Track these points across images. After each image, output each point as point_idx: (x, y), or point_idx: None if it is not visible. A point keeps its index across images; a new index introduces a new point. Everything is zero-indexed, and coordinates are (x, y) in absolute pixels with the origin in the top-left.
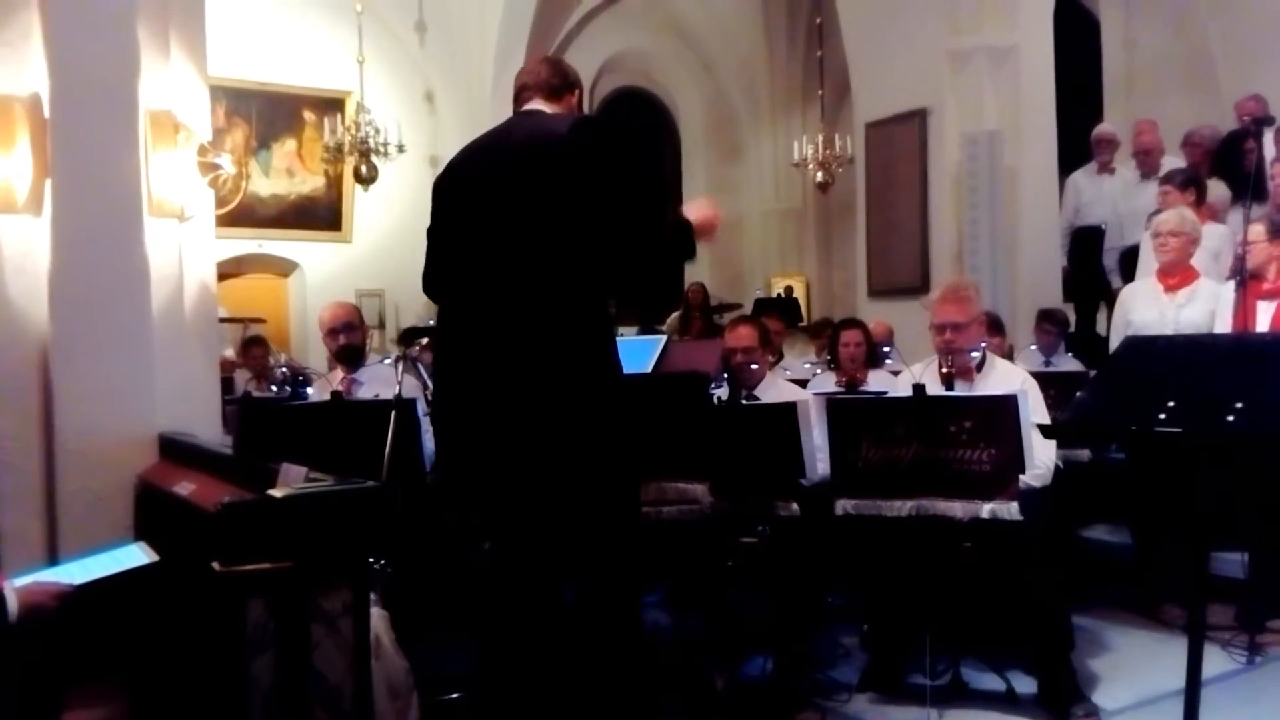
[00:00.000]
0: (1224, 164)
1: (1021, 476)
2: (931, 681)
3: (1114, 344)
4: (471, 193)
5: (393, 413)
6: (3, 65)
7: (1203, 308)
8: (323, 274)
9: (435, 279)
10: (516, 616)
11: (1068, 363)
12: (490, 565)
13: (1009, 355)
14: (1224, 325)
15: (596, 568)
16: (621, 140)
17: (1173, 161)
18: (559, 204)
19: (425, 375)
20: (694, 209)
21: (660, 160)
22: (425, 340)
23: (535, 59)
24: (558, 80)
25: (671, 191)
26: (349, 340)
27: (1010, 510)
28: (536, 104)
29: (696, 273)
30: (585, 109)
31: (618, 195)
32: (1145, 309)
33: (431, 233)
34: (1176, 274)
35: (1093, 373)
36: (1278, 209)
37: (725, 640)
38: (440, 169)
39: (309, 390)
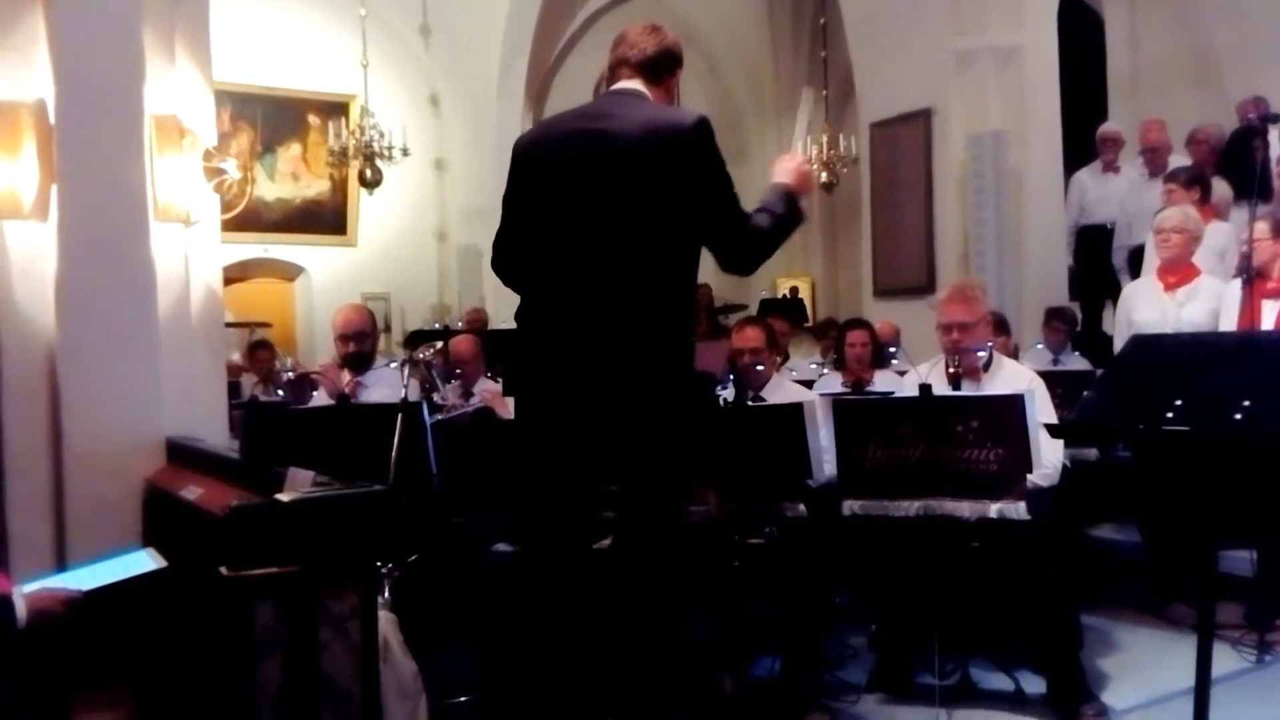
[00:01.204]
0: (1231, 162)
1: (1029, 476)
2: (940, 681)
3: (1119, 343)
4: (575, 173)
5: (399, 416)
6: (9, 71)
7: (1204, 306)
8: (328, 278)
9: (512, 255)
10: (544, 614)
11: (1075, 362)
12: (520, 563)
13: (1013, 354)
14: (1230, 324)
15: (642, 569)
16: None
17: (1181, 160)
18: (677, 203)
19: (435, 377)
20: (784, 169)
21: None
22: (439, 344)
23: (642, 27)
24: (663, 59)
25: None
26: (360, 348)
27: (1018, 510)
28: (636, 84)
29: (702, 274)
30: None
31: (731, 200)
32: (1146, 308)
33: (511, 204)
34: (1177, 272)
35: (1100, 372)
36: None
37: (733, 641)
38: (445, 172)
39: (314, 393)
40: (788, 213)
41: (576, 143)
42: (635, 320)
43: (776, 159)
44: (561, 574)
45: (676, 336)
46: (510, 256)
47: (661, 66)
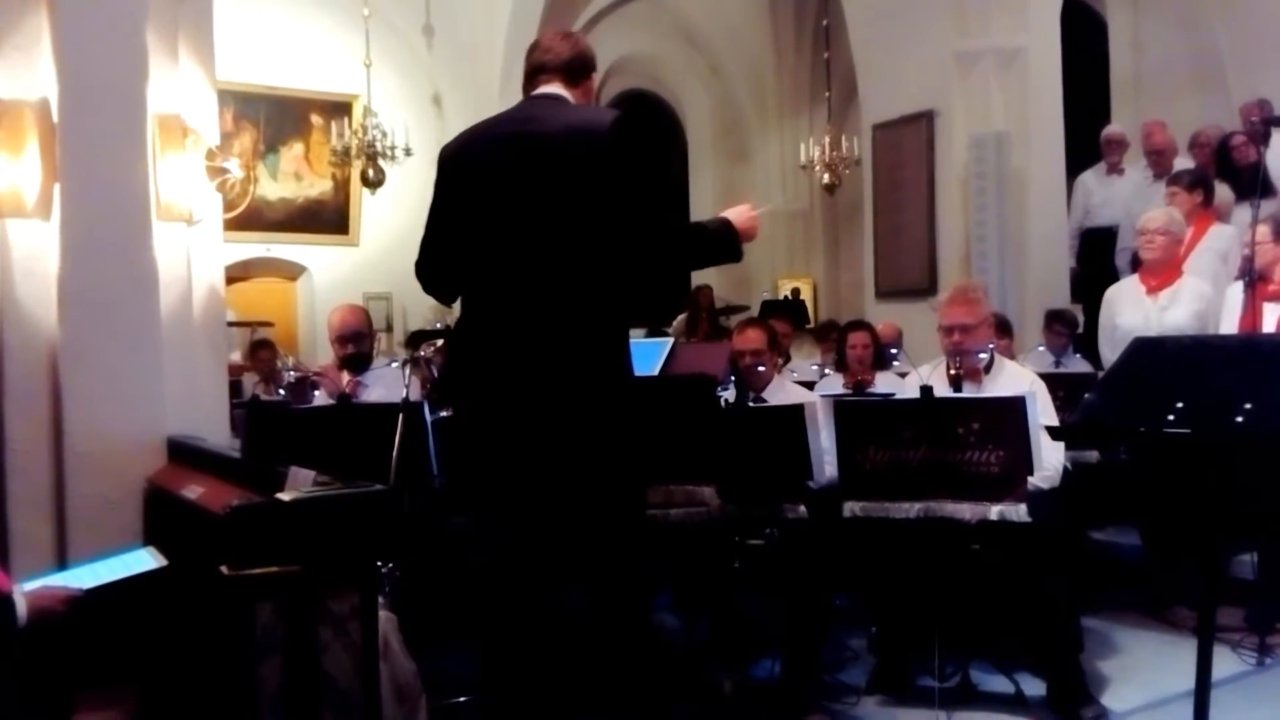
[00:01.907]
0: (1221, 165)
1: (1030, 478)
2: (940, 684)
3: (1102, 343)
4: (497, 178)
5: (400, 416)
6: (12, 70)
7: (1187, 309)
8: (330, 277)
9: (439, 265)
10: (519, 620)
11: (1077, 364)
12: (491, 569)
13: (1012, 357)
14: (1231, 326)
15: (604, 572)
16: (653, 146)
17: (1185, 162)
18: (598, 203)
19: (437, 374)
20: (735, 212)
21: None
22: (440, 342)
23: (553, 33)
24: (579, 62)
25: (680, 194)
26: (358, 349)
27: (1019, 512)
28: (556, 88)
29: (704, 275)
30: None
31: (651, 201)
32: (1131, 312)
33: (437, 213)
34: (1160, 274)
35: (1101, 374)
36: None
37: (733, 643)
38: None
39: (316, 393)
40: (718, 236)
41: (500, 146)
42: (563, 325)
43: (736, 207)
44: (525, 576)
45: (606, 341)
46: (436, 264)
47: (578, 69)
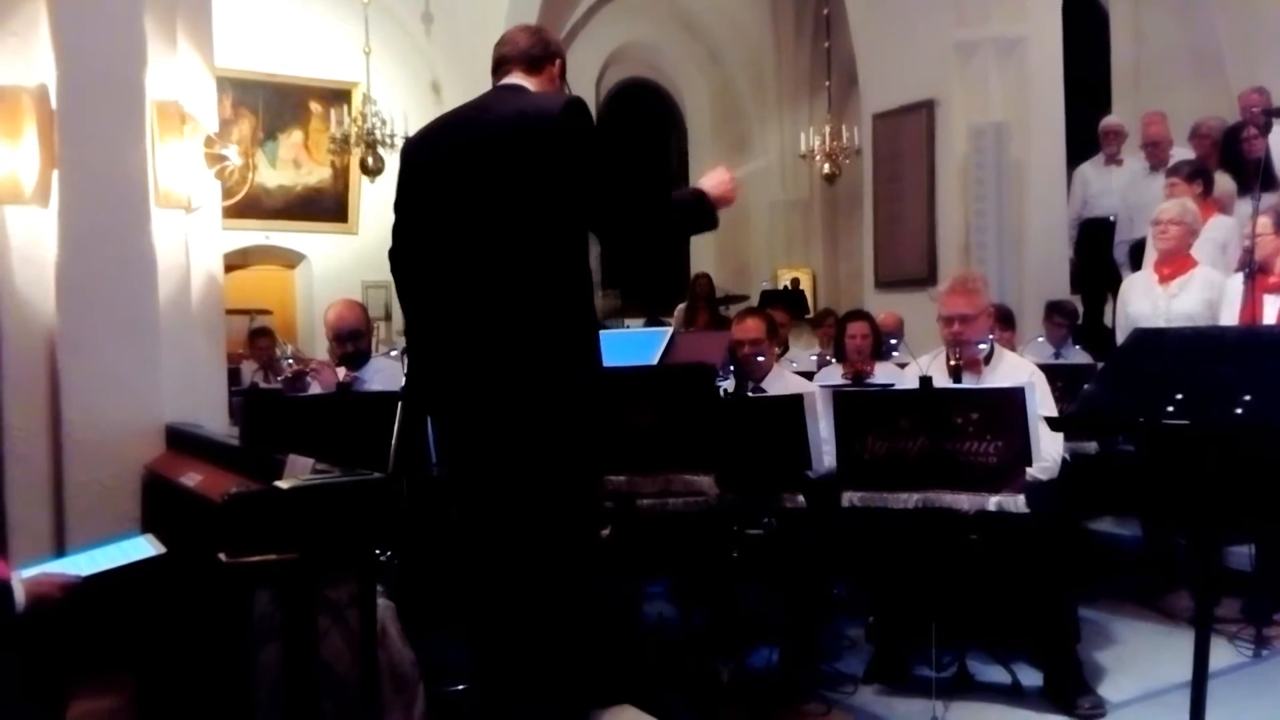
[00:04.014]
0: (1227, 156)
1: (1028, 469)
2: (937, 673)
3: (1120, 337)
4: (449, 167)
5: (399, 404)
6: (10, 56)
7: (1196, 297)
8: (329, 265)
9: (404, 255)
10: (484, 601)
11: (1076, 355)
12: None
13: (1014, 349)
14: (1231, 318)
15: (550, 560)
16: (606, 126)
17: (1182, 153)
18: (548, 185)
19: None
20: (710, 179)
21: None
22: None
23: (515, 27)
24: (538, 50)
25: (674, 178)
26: (355, 348)
27: (1017, 503)
28: (517, 77)
29: (703, 264)
30: (569, 87)
31: (610, 174)
32: (1140, 300)
33: (400, 206)
34: (1173, 264)
35: (1100, 365)
36: None
37: (731, 632)
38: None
39: (310, 380)
40: (692, 205)
41: (452, 137)
42: (512, 312)
43: (710, 173)
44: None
45: (559, 327)
46: (404, 258)
47: (537, 57)
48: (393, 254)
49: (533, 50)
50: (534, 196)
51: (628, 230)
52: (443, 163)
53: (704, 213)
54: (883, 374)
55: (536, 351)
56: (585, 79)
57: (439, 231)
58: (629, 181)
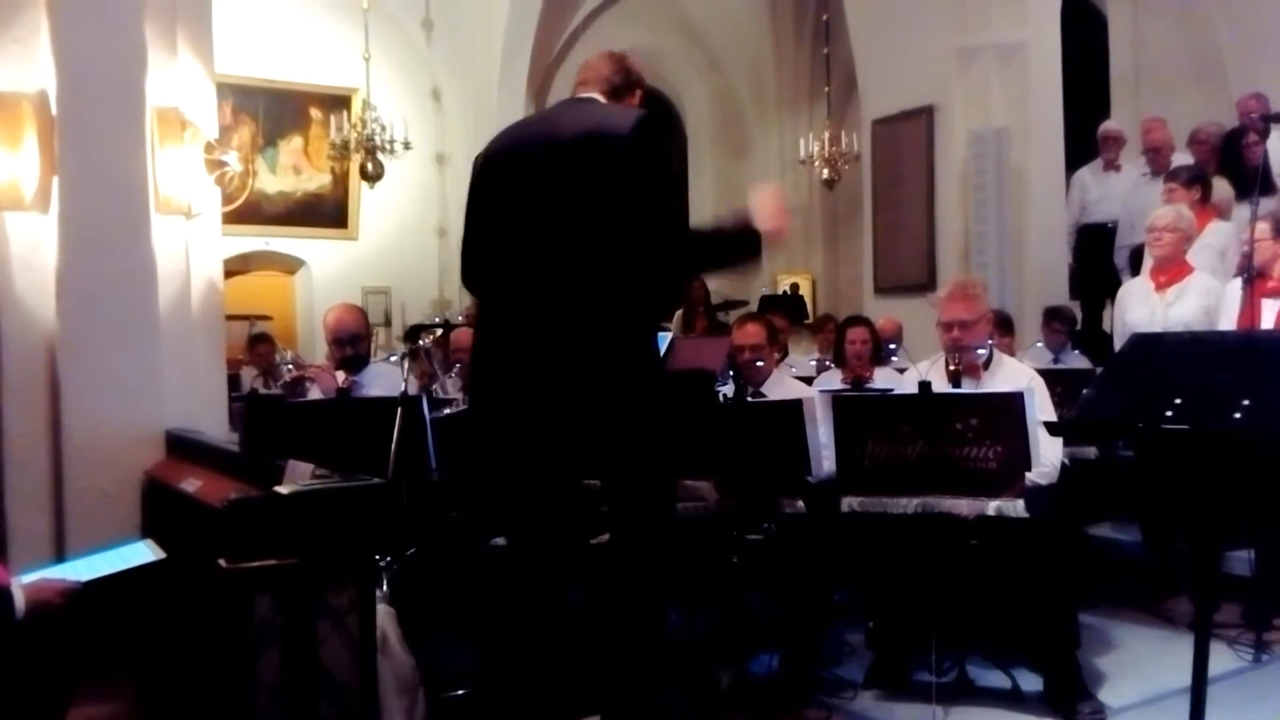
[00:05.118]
0: (1227, 161)
1: (1028, 474)
2: (937, 679)
3: (1118, 344)
4: (521, 180)
5: (399, 410)
6: (10, 62)
7: (1193, 304)
8: (329, 271)
9: (476, 267)
10: (529, 609)
11: (1076, 360)
12: (506, 558)
13: (1013, 354)
14: (1230, 323)
15: (626, 560)
16: (670, 148)
17: (1183, 159)
18: (615, 201)
19: (435, 366)
20: (764, 216)
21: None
22: (439, 332)
23: (598, 55)
24: (620, 79)
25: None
26: (355, 351)
27: (1016, 508)
28: (592, 92)
29: None
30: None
31: (665, 206)
32: (1137, 308)
33: (472, 219)
34: (1169, 270)
35: (1099, 370)
36: None
37: (731, 637)
38: (446, 166)
39: (309, 385)
40: (739, 239)
41: (522, 148)
42: (587, 320)
43: (761, 187)
44: (539, 571)
45: (631, 334)
46: (476, 267)
47: (620, 87)
48: (465, 263)
49: (614, 79)
50: (599, 207)
51: (675, 261)
52: (509, 173)
53: (749, 246)
54: (882, 379)
55: (608, 350)
56: None
57: (505, 240)
58: (679, 211)
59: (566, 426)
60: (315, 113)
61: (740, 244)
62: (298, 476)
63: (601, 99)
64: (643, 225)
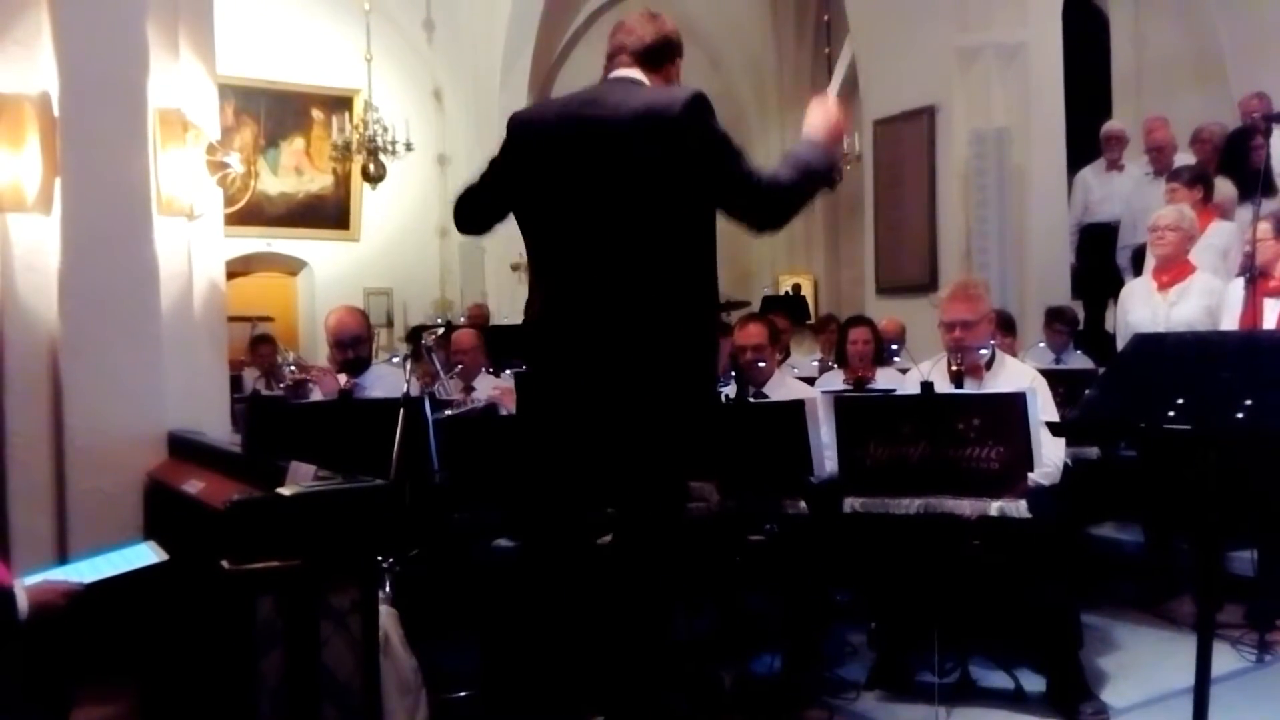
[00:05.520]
0: (1231, 161)
1: (1030, 475)
2: (940, 679)
3: (1120, 343)
4: (568, 164)
5: (401, 411)
6: (12, 64)
7: (1196, 304)
8: (331, 272)
9: (478, 210)
10: (536, 608)
11: (1078, 360)
12: (518, 557)
13: (1015, 355)
14: (1232, 323)
15: (639, 562)
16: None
17: (1185, 159)
18: (674, 182)
19: (439, 365)
20: (815, 125)
21: None
22: (440, 331)
23: (639, 14)
24: (660, 45)
25: None
26: (356, 354)
27: (1019, 508)
28: (633, 72)
29: None
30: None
31: (737, 166)
32: (1139, 308)
33: (494, 169)
34: (1171, 270)
35: (1102, 370)
36: None
37: (733, 638)
38: (448, 166)
39: (312, 387)
40: (815, 164)
41: (568, 130)
42: (640, 310)
43: (811, 104)
44: (562, 569)
45: (686, 324)
46: (476, 209)
47: (660, 54)
48: (469, 202)
49: (656, 47)
50: (658, 193)
51: (766, 209)
52: (557, 155)
53: (825, 165)
54: (884, 380)
55: (663, 343)
56: (588, 84)
57: (558, 224)
58: (750, 173)
59: (627, 422)
60: (317, 114)
61: (812, 166)
62: (300, 478)
63: (643, 78)
64: (719, 191)
